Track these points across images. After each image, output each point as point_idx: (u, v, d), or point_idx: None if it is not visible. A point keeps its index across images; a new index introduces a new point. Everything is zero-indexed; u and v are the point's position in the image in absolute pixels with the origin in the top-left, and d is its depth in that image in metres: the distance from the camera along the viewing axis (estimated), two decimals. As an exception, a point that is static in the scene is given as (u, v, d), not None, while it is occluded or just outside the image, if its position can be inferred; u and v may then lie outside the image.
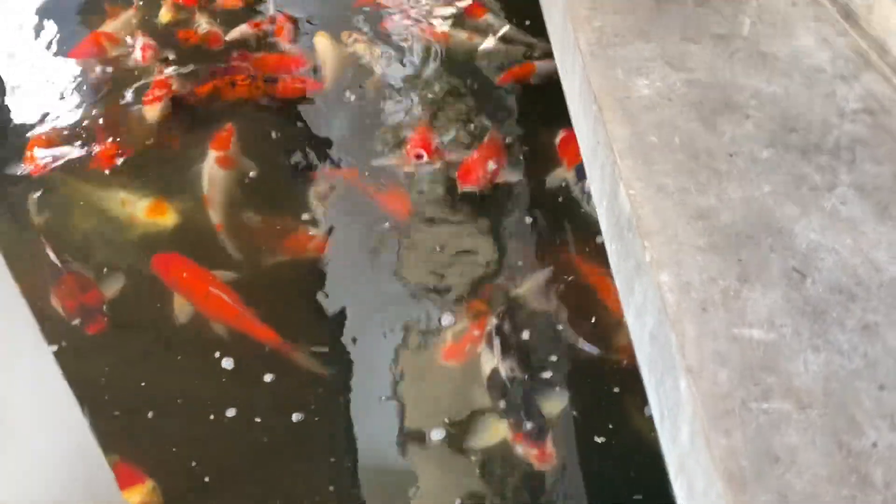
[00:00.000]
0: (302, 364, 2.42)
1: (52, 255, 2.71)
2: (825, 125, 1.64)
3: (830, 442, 1.08)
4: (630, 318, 1.50)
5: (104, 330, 2.51)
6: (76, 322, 2.53)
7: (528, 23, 3.76)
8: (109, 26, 3.87)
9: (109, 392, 2.33)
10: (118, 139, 3.24)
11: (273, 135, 3.32)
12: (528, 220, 2.89)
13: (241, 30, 3.84)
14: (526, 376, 2.33)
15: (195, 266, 2.72)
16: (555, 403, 2.28)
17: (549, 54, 3.48)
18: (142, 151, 3.19)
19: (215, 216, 2.92)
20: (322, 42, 3.75)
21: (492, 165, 2.99)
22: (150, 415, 2.27)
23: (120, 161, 3.13)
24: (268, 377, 2.36)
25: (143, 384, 2.35)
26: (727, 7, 2.05)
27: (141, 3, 4.06)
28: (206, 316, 2.55)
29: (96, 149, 3.19)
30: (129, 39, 3.77)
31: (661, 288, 1.30)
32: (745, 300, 1.28)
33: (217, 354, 2.42)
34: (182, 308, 2.57)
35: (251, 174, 3.07)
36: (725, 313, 1.25)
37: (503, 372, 2.31)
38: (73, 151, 3.16)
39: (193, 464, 2.17)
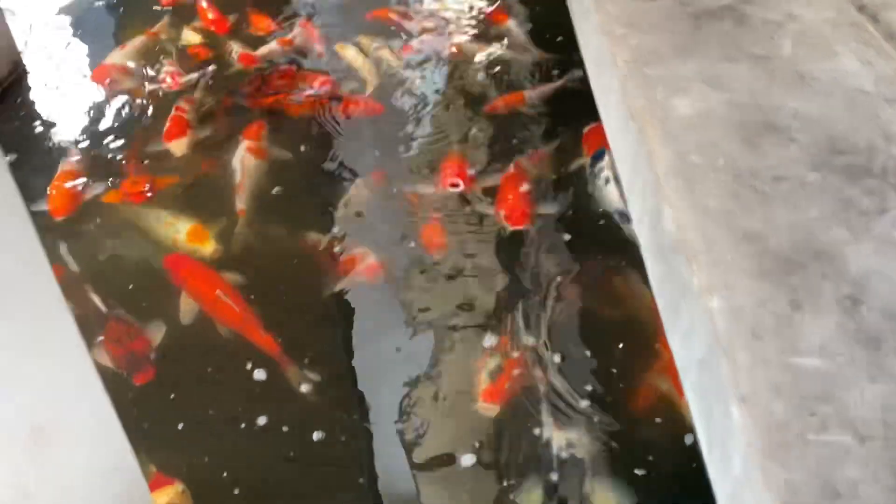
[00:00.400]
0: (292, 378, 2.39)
1: (95, 301, 2.62)
2: (871, 149, 1.62)
3: (892, 476, 1.05)
4: (675, 344, 1.48)
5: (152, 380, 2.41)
6: (123, 373, 2.42)
7: (559, 38, 3.72)
8: (117, 56, 3.80)
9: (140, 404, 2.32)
10: (147, 170, 3.21)
11: (302, 148, 3.31)
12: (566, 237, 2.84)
13: (271, 47, 3.83)
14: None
15: (204, 268, 2.73)
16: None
17: (561, 67, 3.51)
18: (175, 182, 3.16)
19: (240, 202, 2.98)
20: (349, 53, 3.76)
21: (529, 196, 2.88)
22: (180, 426, 2.26)
23: (150, 193, 3.09)
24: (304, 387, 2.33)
25: (172, 396, 2.34)
26: (766, 28, 2.03)
27: (158, 29, 4.00)
28: (213, 318, 2.56)
29: (125, 181, 3.15)
30: (147, 70, 3.72)
31: (711, 313, 1.28)
32: (798, 327, 1.25)
33: (249, 366, 2.39)
34: (189, 308, 2.58)
35: (275, 190, 3.07)
36: (778, 340, 1.23)
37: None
38: (101, 186, 3.11)
39: (224, 474, 2.15)
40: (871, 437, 1.10)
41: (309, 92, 3.50)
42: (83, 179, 3.13)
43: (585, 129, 3.14)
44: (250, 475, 2.17)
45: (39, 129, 3.49)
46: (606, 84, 2.03)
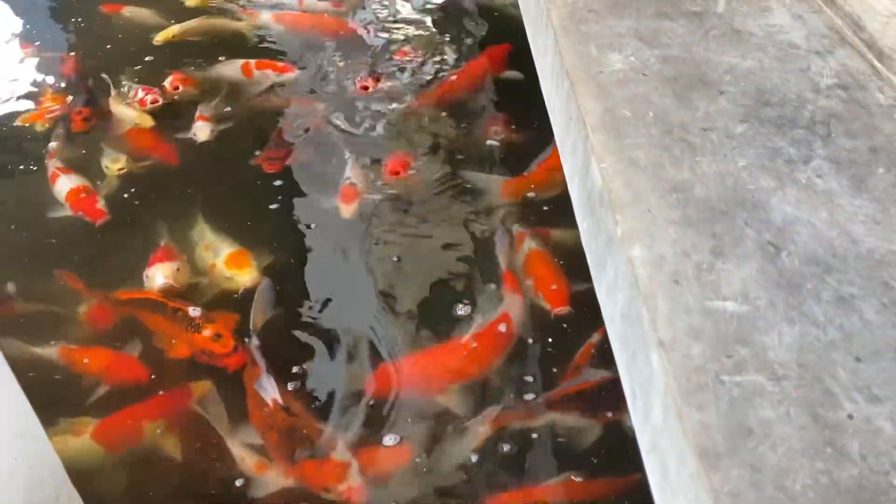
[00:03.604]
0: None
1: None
2: (800, 100, 1.61)
3: (805, 415, 1.04)
4: (601, 296, 1.46)
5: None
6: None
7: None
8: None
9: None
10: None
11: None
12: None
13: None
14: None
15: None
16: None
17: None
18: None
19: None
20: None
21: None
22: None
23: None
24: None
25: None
26: (702, -16, 2.01)
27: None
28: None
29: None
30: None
31: (632, 263, 1.26)
32: (720, 273, 1.24)
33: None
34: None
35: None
36: (699, 287, 1.21)
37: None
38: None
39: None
40: (786, 377, 1.09)
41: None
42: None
43: None
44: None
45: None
46: (542, 44, 2.00)
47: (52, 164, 3.10)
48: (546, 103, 1.98)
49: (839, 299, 1.19)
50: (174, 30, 3.92)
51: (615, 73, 1.70)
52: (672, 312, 1.18)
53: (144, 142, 3.28)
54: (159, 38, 3.90)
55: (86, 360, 2.33)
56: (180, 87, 3.56)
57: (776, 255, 1.27)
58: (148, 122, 3.37)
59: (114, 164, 3.15)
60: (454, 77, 3.62)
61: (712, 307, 1.18)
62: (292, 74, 3.63)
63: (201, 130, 3.30)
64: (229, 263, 2.67)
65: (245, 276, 2.62)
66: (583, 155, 1.57)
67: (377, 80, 3.56)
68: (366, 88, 3.52)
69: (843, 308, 1.18)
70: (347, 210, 2.91)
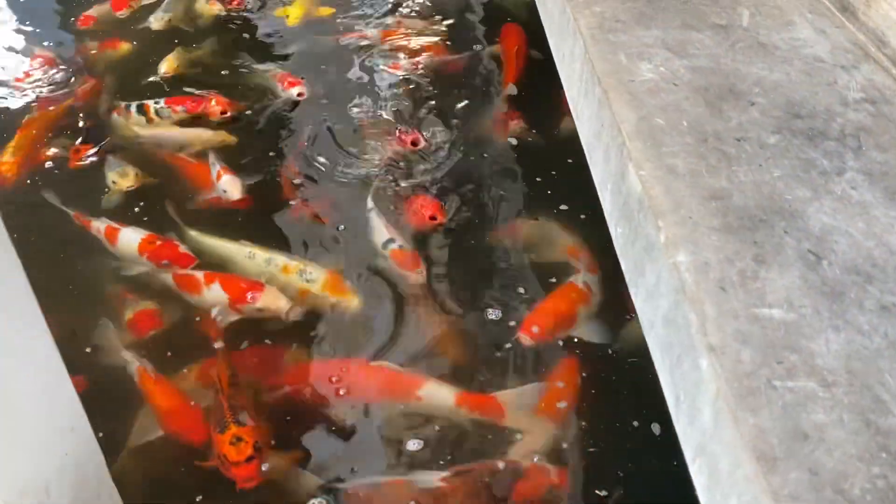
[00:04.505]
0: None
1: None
2: (829, 113, 1.64)
3: (858, 420, 1.06)
4: (639, 301, 1.47)
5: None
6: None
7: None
8: None
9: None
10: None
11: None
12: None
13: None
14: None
15: None
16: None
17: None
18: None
19: None
20: None
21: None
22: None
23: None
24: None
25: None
26: (724, -2, 2.05)
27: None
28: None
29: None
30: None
31: (678, 268, 1.28)
32: (763, 281, 1.26)
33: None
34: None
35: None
36: (745, 293, 1.23)
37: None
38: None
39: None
40: (836, 383, 1.11)
41: None
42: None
43: None
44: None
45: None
46: (569, 51, 2.02)
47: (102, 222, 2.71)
48: (572, 109, 2.00)
49: (882, 308, 1.22)
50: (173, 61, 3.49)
51: (646, 82, 1.72)
52: (720, 318, 1.20)
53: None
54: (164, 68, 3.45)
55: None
56: (228, 112, 3.17)
57: (817, 264, 1.29)
58: (229, 139, 3.02)
59: (122, 179, 2.85)
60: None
61: (759, 314, 1.20)
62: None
63: (232, 185, 2.83)
64: (329, 287, 2.43)
65: (352, 300, 2.40)
66: (618, 161, 1.59)
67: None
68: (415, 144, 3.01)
69: (886, 317, 1.20)
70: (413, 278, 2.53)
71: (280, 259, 2.51)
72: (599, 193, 1.76)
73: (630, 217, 1.51)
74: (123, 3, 3.89)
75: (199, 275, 2.46)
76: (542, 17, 2.41)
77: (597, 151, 1.76)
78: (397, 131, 3.08)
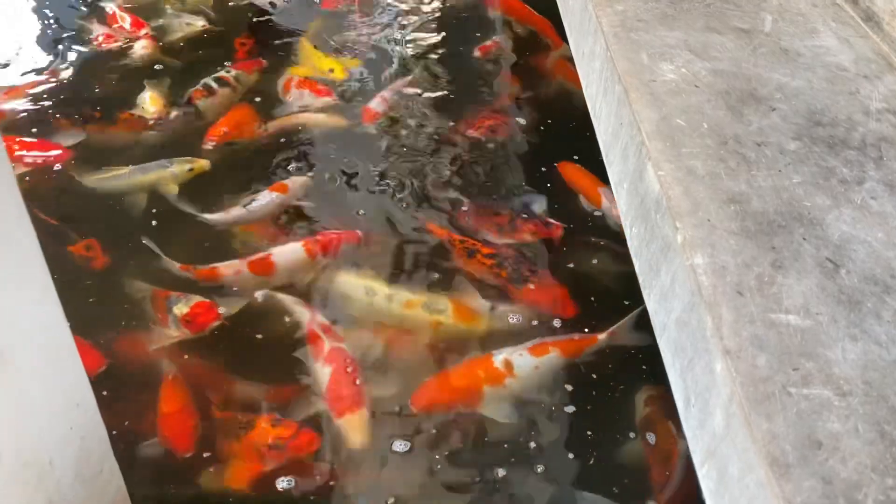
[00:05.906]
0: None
1: None
2: (850, 122, 1.63)
3: (873, 431, 1.05)
4: (652, 303, 1.46)
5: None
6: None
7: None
8: None
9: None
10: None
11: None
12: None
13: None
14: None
15: None
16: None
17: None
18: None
19: None
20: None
21: None
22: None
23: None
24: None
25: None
26: (748, 3, 2.03)
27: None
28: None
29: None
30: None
31: (695, 271, 1.27)
32: (781, 287, 1.25)
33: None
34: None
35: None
36: (762, 298, 1.22)
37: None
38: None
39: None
40: (851, 393, 1.10)
41: None
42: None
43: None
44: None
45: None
46: (590, 49, 2.00)
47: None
48: (590, 107, 1.99)
49: (900, 319, 1.20)
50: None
51: (668, 83, 1.71)
52: (736, 322, 1.19)
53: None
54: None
55: None
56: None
57: (835, 272, 1.28)
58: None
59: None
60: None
61: (776, 319, 1.19)
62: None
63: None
64: (459, 316, 2.33)
65: (480, 324, 2.32)
66: (636, 160, 1.57)
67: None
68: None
69: (904, 328, 1.19)
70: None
71: (403, 294, 2.37)
72: (615, 192, 1.74)
73: (646, 217, 1.50)
74: None
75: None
76: (561, 14, 2.40)
77: (614, 149, 1.74)
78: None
